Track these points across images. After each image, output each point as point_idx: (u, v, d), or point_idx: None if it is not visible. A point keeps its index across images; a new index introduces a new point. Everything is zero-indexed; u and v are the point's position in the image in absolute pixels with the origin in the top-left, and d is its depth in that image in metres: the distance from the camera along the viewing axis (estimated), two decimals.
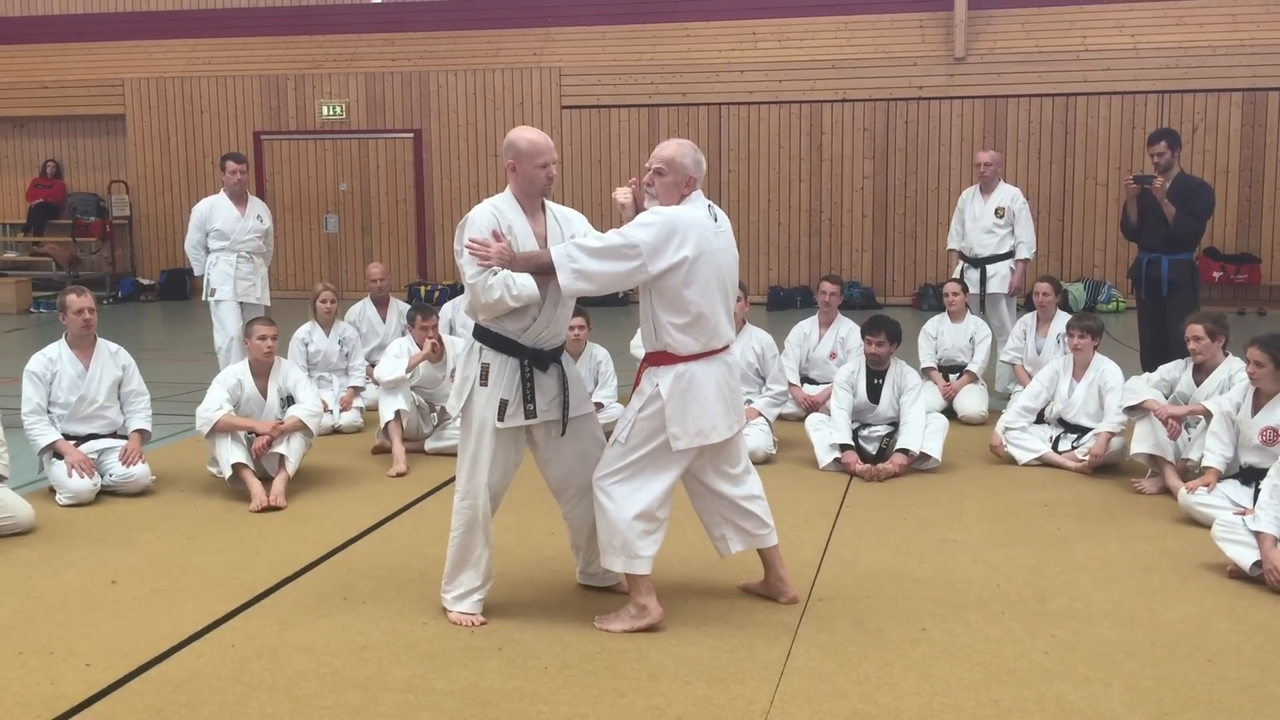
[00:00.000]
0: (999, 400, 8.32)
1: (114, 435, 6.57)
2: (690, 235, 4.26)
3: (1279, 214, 14.30)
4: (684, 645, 4.25)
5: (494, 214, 4.38)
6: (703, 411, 4.34)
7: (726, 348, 4.44)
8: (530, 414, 4.44)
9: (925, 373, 8.30)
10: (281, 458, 6.37)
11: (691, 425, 4.33)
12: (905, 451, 6.74)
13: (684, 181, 4.38)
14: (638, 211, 4.49)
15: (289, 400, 6.62)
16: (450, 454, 7.16)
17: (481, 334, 4.46)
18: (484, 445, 4.44)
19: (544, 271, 4.30)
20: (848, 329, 8.19)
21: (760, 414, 7.16)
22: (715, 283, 4.34)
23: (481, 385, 4.42)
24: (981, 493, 6.38)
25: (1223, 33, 14.25)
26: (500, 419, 4.40)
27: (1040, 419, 7.16)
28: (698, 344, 4.33)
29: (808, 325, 8.43)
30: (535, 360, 4.43)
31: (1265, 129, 14.18)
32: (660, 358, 4.37)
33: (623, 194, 4.64)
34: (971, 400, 8.19)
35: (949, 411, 8.02)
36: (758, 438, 6.94)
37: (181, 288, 16.51)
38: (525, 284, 4.29)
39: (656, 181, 4.39)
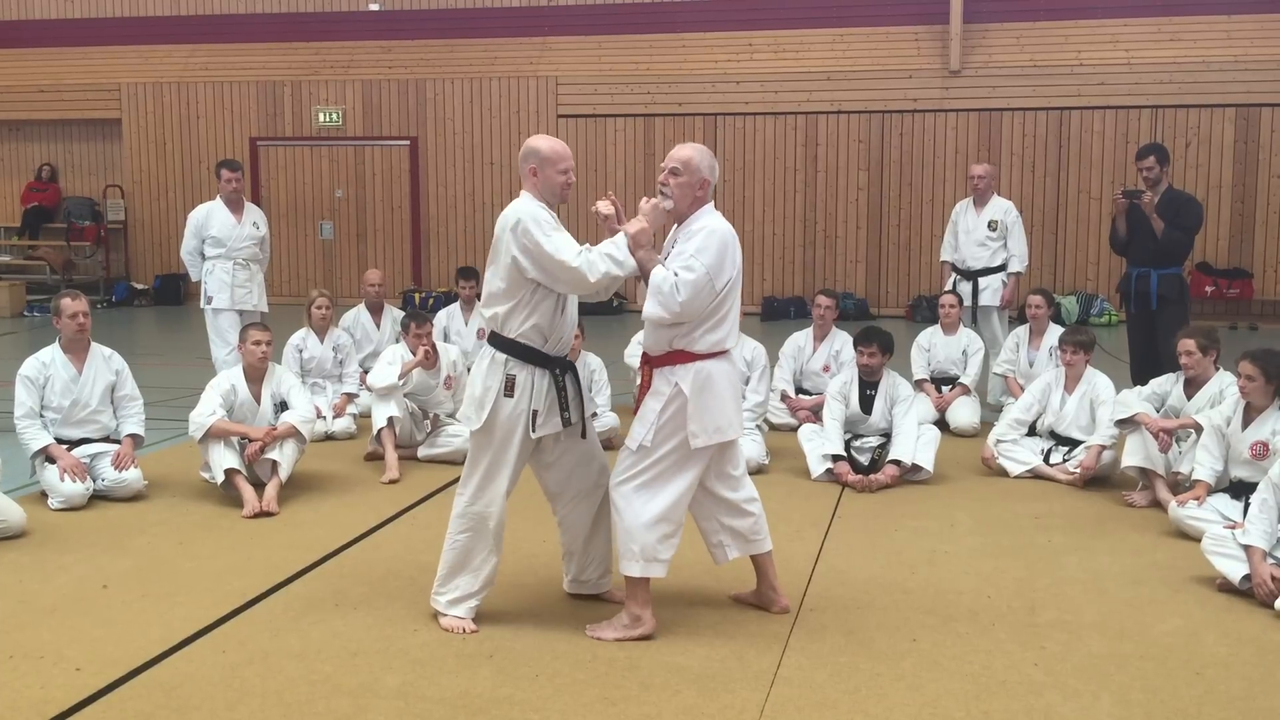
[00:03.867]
0: (991, 412, 8.33)
1: (107, 440, 6.56)
2: (736, 248, 4.35)
3: (1271, 229, 14.36)
4: (675, 654, 4.26)
5: (545, 210, 4.38)
6: (720, 409, 4.36)
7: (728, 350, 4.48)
8: (567, 421, 4.45)
9: (918, 385, 8.32)
10: (274, 463, 6.37)
11: (710, 422, 4.33)
12: (897, 463, 6.76)
13: (699, 184, 4.38)
14: (620, 223, 4.46)
15: (282, 406, 6.62)
16: (443, 461, 7.19)
17: (506, 346, 4.42)
18: (506, 456, 4.43)
19: (639, 275, 4.31)
20: (842, 342, 8.20)
21: None
22: (739, 287, 4.41)
23: (506, 396, 4.40)
24: (973, 504, 6.39)
25: (1217, 48, 14.31)
26: (533, 429, 4.40)
27: (1032, 431, 7.19)
28: (717, 344, 4.36)
29: (802, 338, 8.44)
30: (563, 369, 4.46)
31: (1258, 144, 14.23)
32: (675, 357, 4.35)
33: (604, 205, 4.60)
34: (964, 412, 8.21)
35: (941, 423, 8.04)
36: (750, 448, 6.93)
37: (176, 292, 16.50)
38: (627, 256, 4.28)
39: (672, 181, 4.38)
